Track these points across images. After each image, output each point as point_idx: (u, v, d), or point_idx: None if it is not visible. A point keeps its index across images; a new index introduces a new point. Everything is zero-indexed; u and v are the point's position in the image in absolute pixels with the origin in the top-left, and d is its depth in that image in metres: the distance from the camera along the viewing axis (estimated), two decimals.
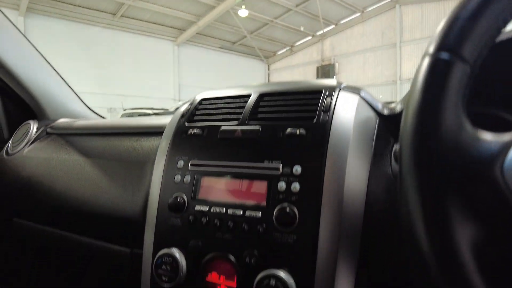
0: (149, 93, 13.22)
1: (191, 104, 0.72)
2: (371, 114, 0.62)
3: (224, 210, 0.57)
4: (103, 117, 1.36)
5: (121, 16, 11.49)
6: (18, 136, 1.12)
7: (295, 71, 14.38)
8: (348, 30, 13.21)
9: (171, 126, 0.69)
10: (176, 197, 0.60)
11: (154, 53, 13.61)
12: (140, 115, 8.37)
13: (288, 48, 14.29)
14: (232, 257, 0.54)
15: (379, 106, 0.63)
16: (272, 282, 0.49)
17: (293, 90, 0.65)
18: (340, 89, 0.62)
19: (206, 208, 0.58)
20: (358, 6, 12.45)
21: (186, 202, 0.60)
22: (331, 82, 0.66)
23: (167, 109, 8.97)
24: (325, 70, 12.18)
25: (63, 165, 0.90)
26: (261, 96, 0.65)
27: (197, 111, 0.69)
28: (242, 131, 0.60)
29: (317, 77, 12.37)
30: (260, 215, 0.54)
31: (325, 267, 0.49)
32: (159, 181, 0.65)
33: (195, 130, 0.64)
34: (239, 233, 0.55)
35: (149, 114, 8.09)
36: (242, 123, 0.61)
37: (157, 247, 0.61)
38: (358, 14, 12.76)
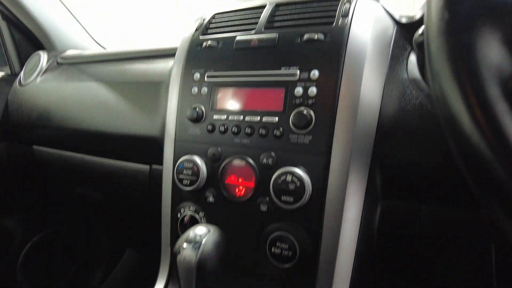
0: None
1: (203, 18, 0.70)
2: (389, 21, 0.61)
3: (241, 117, 0.58)
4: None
5: None
6: (30, 67, 1.12)
7: None
8: None
9: (185, 41, 0.69)
10: (195, 108, 0.62)
11: None
12: None
13: None
14: (250, 160, 0.57)
15: (397, 13, 0.62)
16: (289, 177, 0.53)
17: None
18: None
19: (223, 117, 0.60)
20: None
21: (204, 113, 0.62)
22: None
23: None
24: None
25: (77, 92, 0.92)
26: (277, 6, 0.63)
27: (210, 24, 0.69)
28: (259, 39, 0.59)
29: None
30: (276, 119, 0.56)
31: (339, 165, 0.52)
32: (176, 95, 0.66)
33: (210, 42, 0.64)
34: (256, 138, 0.57)
35: None
36: (258, 32, 0.61)
37: (177, 157, 0.64)
38: None
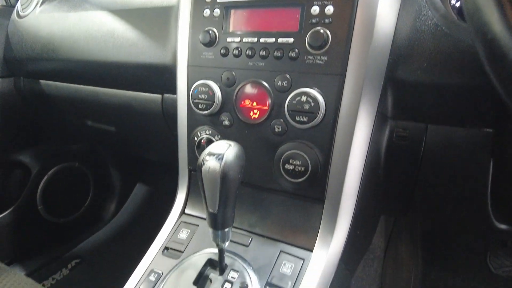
0: None
1: None
2: None
3: (255, 39, 0.58)
4: None
5: None
6: None
7: None
8: None
9: None
10: (207, 31, 0.61)
11: None
12: None
13: None
14: (264, 83, 0.58)
15: None
16: (304, 98, 0.54)
17: None
18: None
19: (237, 40, 0.60)
20: None
21: (217, 36, 0.61)
22: None
23: None
24: None
25: (82, 22, 0.89)
26: None
27: None
28: None
29: None
30: (292, 40, 0.55)
31: (353, 86, 0.53)
32: (188, 18, 0.65)
33: None
34: (271, 60, 0.58)
35: None
36: None
37: (191, 82, 0.65)
38: None
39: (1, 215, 1.24)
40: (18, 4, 1.08)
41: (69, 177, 1.40)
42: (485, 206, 0.66)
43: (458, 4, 0.58)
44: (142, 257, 0.63)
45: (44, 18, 0.99)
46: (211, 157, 0.46)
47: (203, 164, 0.46)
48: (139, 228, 1.53)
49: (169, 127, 0.83)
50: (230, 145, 0.48)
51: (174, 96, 0.77)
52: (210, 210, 0.49)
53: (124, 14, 0.82)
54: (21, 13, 1.04)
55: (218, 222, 0.50)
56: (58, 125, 1.28)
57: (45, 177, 1.31)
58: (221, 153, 0.46)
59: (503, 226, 0.70)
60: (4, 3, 1.15)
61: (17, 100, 1.16)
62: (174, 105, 0.78)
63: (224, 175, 0.45)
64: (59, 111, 1.15)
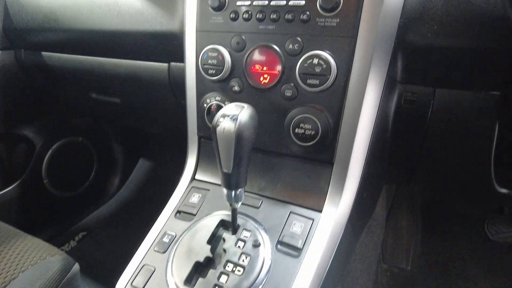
0: None
1: None
2: None
3: (266, 2, 0.58)
4: None
5: None
6: None
7: None
8: None
9: None
10: None
11: None
12: None
13: None
14: (275, 47, 0.58)
15: None
16: (315, 60, 0.54)
17: None
18: None
19: (247, 2, 0.59)
20: None
21: (227, 0, 0.61)
22: None
23: None
24: None
25: None
26: None
27: None
28: None
29: None
30: (303, 3, 0.55)
31: (364, 49, 0.53)
32: None
33: None
34: (282, 23, 0.57)
35: None
36: None
37: (200, 48, 0.65)
38: None
39: (8, 189, 1.25)
40: None
41: (73, 152, 1.41)
42: (488, 169, 0.68)
43: None
44: (149, 228, 0.64)
45: None
46: (226, 118, 0.47)
47: (218, 125, 0.47)
48: (143, 201, 1.56)
49: (175, 96, 0.83)
50: (243, 106, 0.49)
51: (181, 64, 0.76)
52: (225, 170, 0.50)
53: None
54: None
55: (232, 183, 0.51)
56: (61, 98, 1.27)
57: (49, 152, 1.32)
58: (236, 114, 0.47)
59: (503, 190, 0.72)
60: None
61: (19, 73, 1.15)
62: (181, 73, 0.78)
63: (239, 135, 0.46)
64: (62, 83, 1.14)
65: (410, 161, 0.74)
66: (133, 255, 0.60)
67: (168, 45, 0.76)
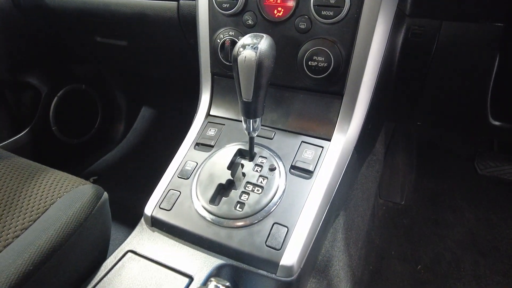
0: None
1: None
2: None
3: None
4: None
5: None
6: None
7: None
8: None
9: None
10: None
11: None
12: None
13: None
14: None
15: None
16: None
17: None
18: None
19: None
20: None
21: None
22: None
23: None
24: None
25: None
26: None
27: None
28: None
29: None
30: None
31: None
32: None
33: None
34: None
35: None
36: None
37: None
38: None
39: (18, 136, 1.28)
40: None
41: (77, 100, 1.43)
42: (484, 102, 0.73)
43: None
44: (160, 168, 0.68)
45: None
46: (247, 47, 0.49)
47: (239, 54, 0.50)
48: (149, 147, 1.61)
49: (185, 36, 0.84)
50: (262, 36, 0.51)
51: (191, 1, 0.77)
52: (245, 99, 0.53)
53: None
54: None
55: (251, 111, 0.55)
56: (64, 43, 1.26)
57: (55, 99, 1.33)
58: (256, 43, 0.50)
59: (497, 123, 0.77)
60: None
61: (17, 16, 1.12)
62: (191, 10, 0.79)
63: (259, 63, 0.49)
64: (64, 27, 1.13)
65: (412, 96, 0.78)
66: (149, 191, 0.65)
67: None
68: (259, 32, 0.64)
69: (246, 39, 0.51)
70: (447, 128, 1.07)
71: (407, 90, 0.78)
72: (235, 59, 0.50)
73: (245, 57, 0.49)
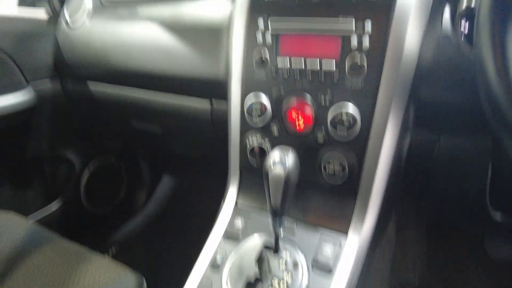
0: None
1: None
2: None
3: (303, 64, 0.70)
4: None
5: None
6: (73, 7, 1.18)
7: None
8: None
9: None
10: (259, 53, 0.73)
11: None
12: None
13: None
14: (309, 100, 0.71)
15: None
16: (344, 115, 0.67)
17: None
18: None
19: (287, 63, 0.72)
20: None
21: (269, 58, 0.73)
22: None
23: None
24: None
25: (132, 35, 1.01)
26: None
27: None
28: None
29: None
30: (335, 67, 0.68)
31: (384, 104, 0.66)
32: (241, 41, 0.76)
33: None
34: (316, 81, 0.70)
35: None
36: None
37: (244, 94, 0.77)
38: None
39: (49, 205, 1.38)
40: (66, 14, 1.19)
41: (105, 171, 1.54)
42: (483, 196, 0.81)
43: (467, 32, 0.71)
44: (178, 241, 0.75)
45: (95, 30, 1.10)
46: (276, 164, 0.60)
47: (270, 171, 0.60)
48: (169, 217, 1.68)
49: (216, 131, 0.96)
50: (288, 152, 0.62)
51: (223, 101, 0.89)
52: (273, 206, 0.62)
53: (177, 30, 0.94)
54: (71, 25, 1.15)
55: (277, 213, 0.64)
56: (103, 124, 1.40)
57: (86, 171, 1.45)
58: (284, 160, 0.60)
59: (497, 214, 0.85)
60: (51, 12, 1.25)
61: (64, 100, 1.28)
62: (223, 111, 0.91)
63: (287, 179, 0.59)
64: (104, 111, 1.27)
65: (418, 190, 0.87)
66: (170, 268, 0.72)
67: (212, 87, 0.89)
68: (284, 142, 0.75)
69: (275, 156, 0.61)
70: (453, 216, 1.13)
71: (413, 188, 0.87)
72: (267, 175, 0.60)
73: (276, 174, 0.59)
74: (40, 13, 1.24)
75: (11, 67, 1.14)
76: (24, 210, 1.32)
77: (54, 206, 1.39)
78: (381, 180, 0.71)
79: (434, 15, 0.69)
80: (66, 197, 1.40)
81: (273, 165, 0.60)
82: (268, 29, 0.73)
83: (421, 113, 0.71)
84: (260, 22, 0.73)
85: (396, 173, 0.76)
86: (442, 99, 0.69)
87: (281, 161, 0.60)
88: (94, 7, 1.16)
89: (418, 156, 0.76)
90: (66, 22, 1.18)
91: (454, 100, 0.68)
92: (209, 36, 0.88)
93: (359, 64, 0.65)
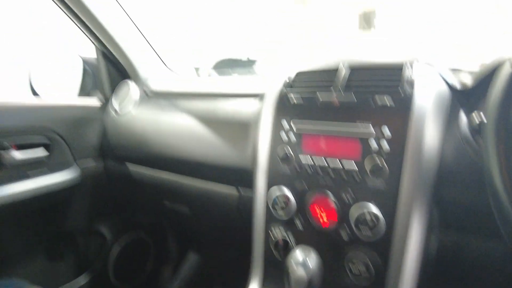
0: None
1: (288, 76, 0.86)
2: (445, 87, 0.75)
3: (326, 163, 0.74)
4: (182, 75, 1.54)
5: None
6: (121, 96, 1.34)
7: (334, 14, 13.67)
8: None
9: (274, 93, 0.85)
10: (284, 150, 0.78)
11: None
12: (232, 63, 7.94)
13: None
14: (333, 197, 0.73)
15: (452, 80, 0.75)
16: (367, 215, 0.68)
17: (378, 64, 0.79)
18: (418, 63, 0.75)
19: (310, 161, 0.76)
20: None
21: (293, 155, 0.78)
22: (410, 56, 0.79)
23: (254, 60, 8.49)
24: (367, 17, 11.58)
25: (173, 124, 1.12)
26: (352, 70, 0.78)
27: (295, 81, 0.84)
28: (340, 101, 0.75)
29: (360, 24, 11.81)
30: (356, 167, 0.71)
31: (406, 205, 0.67)
32: (267, 137, 0.83)
33: (296, 97, 0.80)
34: (339, 180, 0.73)
35: (243, 61, 7.89)
36: (337, 91, 0.76)
37: (269, 186, 0.81)
38: None
39: (78, 278, 1.41)
40: (115, 103, 1.35)
41: (134, 246, 1.58)
42: None
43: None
44: None
45: (139, 118, 1.24)
46: (299, 266, 0.61)
47: (294, 274, 0.60)
48: None
49: (242, 217, 0.99)
50: (311, 253, 0.63)
51: (249, 190, 0.93)
52: None
53: (210, 122, 1.03)
54: (119, 112, 1.30)
55: None
56: (136, 200, 1.48)
57: (116, 245, 1.49)
58: (305, 262, 0.61)
59: None
60: (103, 100, 1.42)
61: (105, 179, 1.38)
62: (249, 198, 0.94)
63: (309, 283, 0.59)
64: (140, 190, 1.35)
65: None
66: None
67: (238, 174, 0.94)
68: (307, 237, 0.76)
69: (297, 257, 0.62)
70: None
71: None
72: (289, 276, 0.61)
73: (299, 277, 0.60)
74: (93, 101, 1.41)
75: (63, 148, 1.27)
76: (53, 283, 1.36)
77: (81, 280, 1.41)
78: (408, 282, 0.69)
79: (452, 117, 0.73)
80: (95, 271, 1.43)
81: (295, 266, 0.61)
82: (292, 129, 0.79)
83: (447, 214, 0.71)
84: (284, 123, 0.80)
85: (424, 276, 0.73)
86: (467, 200, 0.68)
87: (303, 263, 0.61)
88: (140, 97, 1.31)
89: (447, 259, 0.74)
90: (114, 110, 1.33)
91: (479, 201, 0.67)
92: (238, 129, 0.96)
93: (379, 165, 0.68)
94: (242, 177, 0.93)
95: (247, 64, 7.89)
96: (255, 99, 0.98)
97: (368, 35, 11.71)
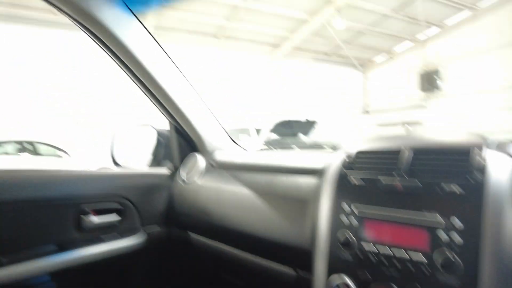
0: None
1: (348, 154, 0.87)
2: None
3: (391, 252, 0.70)
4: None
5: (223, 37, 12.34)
6: (189, 166, 1.44)
7: (395, 78, 13.66)
8: (454, 31, 12.00)
9: (333, 173, 0.86)
10: (345, 235, 0.76)
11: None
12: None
13: (385, 55, 13.63)
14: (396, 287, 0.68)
15: None
16: None
17: (442, 147, 0.76)
18: (488, 147, 0.71)
19: (374, 249, 0.73)
20: (467, 2, 11.11)
21: (355, 241, 0.76)
22: (476, 138, 0.75)
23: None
24: (430, 77, 11.29)
25: (234, 196, 1.16)
26: (415, 154, 0.77)
27: (355, 163, 0.85)
28: (403, 185, 0.73)
29: (421, 85, 11.56)
30: (424, 259, 0.66)
31: None
32: (326, 219, 0.82)
33: (356, 179, 0.80)
34: (405, 272, 0.68)
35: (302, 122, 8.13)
36: (400, 176, 0.74)
37: (328, 273, 0.78)
38: (467, 11, 11.51)
39: None
40: (183, 172, 1.45)
41: None
42: None
43: None
44: None
45: (203, 187, 1.31)
46: None
47: None
48: None
49: None
50: None
51: (307, 272, 0.90)
52: None
53: (269, 197, 1.06)
54: (186, 181, 1.39)
55: None
56: (194, 268, 1.50)
57: None
58: None
59: None
60: (172, 168, 1.54)
61: (168, 245, 1.44)
62: (306, 282, 0.91)
63: None
64: (199, 258, 1.38)
65: None
66: None
67: (296, 255, 0.92)
68: None
69: None
70: None
71: None
72: None
73: None
74: (163, 170, 1.53)
75: (133, 214, 1.37)
76: None
77: None
78: None
79: None
80: None
81: None
82: (353, 213, 0.77)
83: None
84: (345, 205, 0.79)
85: None
86: None
87: None
88: (206, 167, 1.40)
89: None
90: (182, 179, 1.42)
91: None
92: (296, 206, 0.97)
93: (451, 259, 0.63)
94: (299, 255, 0.91)
95: (307, 125, 8.02)
96: (314, 176, 0.99)
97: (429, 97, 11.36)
